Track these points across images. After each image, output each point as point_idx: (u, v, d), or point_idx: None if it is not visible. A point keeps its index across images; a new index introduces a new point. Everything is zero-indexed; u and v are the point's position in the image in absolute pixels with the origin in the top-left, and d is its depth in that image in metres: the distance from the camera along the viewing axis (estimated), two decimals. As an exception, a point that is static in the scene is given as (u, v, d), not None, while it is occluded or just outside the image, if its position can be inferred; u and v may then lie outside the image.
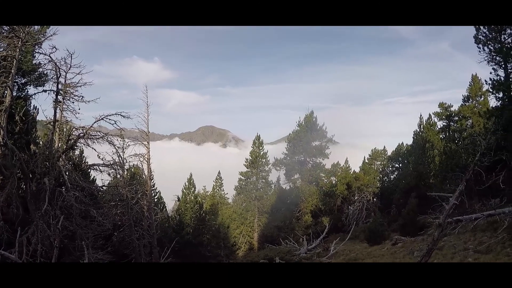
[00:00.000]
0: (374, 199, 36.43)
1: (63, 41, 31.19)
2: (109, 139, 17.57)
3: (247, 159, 36.96)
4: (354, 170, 38.21)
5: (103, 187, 19.74)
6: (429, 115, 32.50)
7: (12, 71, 16.24)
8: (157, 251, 21.73)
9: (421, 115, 32.33)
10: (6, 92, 16.49)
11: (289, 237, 29.22)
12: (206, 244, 30.15)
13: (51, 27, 18.16)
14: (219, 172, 37.68)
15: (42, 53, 17.10)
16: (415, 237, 20.03)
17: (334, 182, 37.05)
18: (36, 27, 17.85)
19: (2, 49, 17.00)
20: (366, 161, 38.88)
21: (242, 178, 37.14)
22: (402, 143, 37.64)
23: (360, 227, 30.91)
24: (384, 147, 39.25)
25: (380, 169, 38.77)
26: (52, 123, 17.12)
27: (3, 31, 17.11)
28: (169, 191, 34.54)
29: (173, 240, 24.57)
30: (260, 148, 36.68)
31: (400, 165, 36.50)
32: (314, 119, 36.59)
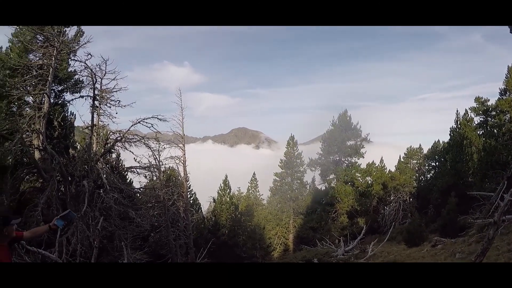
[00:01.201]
0: (411, 199, 35.25)
1: (94, 49, 32.03)
2: (145, 142, 17.86)
3: (281, 160, 36.73)
4: (389, 170, 37.11)
5: (141, 189, 20.04)
6: (465, 110, 30.79)
7: (49, 79, 16.81)
8: (193, 252, 21.84)
9: (457, 111, 30.55)
10: (44, 99, 17.07)
11: (325, 238, 28.77)
12: (241, 245, 30.13)
13: (85, 35, 18.86)
14: (254, 173, 37.57)
15: (78, 60, 17.70)
16: (456, 239, 19.28)
17: (369, 182, 36.09)
18: (70, 36, 18.46)
19: (38, 59, 17.64)
20: (402, 160, 37.71)
21: (277, 179, 36.89)
22: (438, 140, 36.20)
23: (397, 228, 29.95)
24: (420, 145, 37.95)
25: (416, 168, 37.38)
26: (89, 127, 17.53)
27: (38, 41, 17.75)
28: (204, 192, 34.67)
29: (209, 241, 24.66)
30: (294, 148, 36.33)
31: (437, 163, 34.77)
32: (348, 118, 35.98)
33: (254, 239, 31.44)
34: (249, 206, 34.43)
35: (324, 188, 36.93)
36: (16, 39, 18.17)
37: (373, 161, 36.92)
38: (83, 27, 19.32)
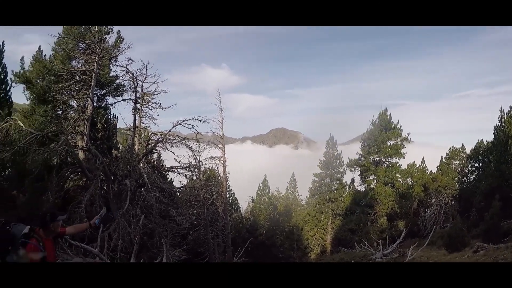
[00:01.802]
0: (453, 202, 33.67)
1: (134, 54, 33.18)
2: (186, 143, 18.36)
3: (320, 161, 36.40)
4: (431, 171, 35.69)
5: (181, 188, 20.60)
6: (510, 107, 28.70)
7: (92, 83, 17.79)
8: (230, 251, 22.18)
9: (501, 108, 28.32)
10: (87, 102, 18.03)
11: (364, 240, 28.29)
12: (279, 245, 30.23)
13: (124, 41, 19.66)
14: (293, 174, 37.42)
15: (119, 65, 18.43)
16: (499, 244, 18.38)
17: (410, 183, 34.86)
18: (110, 42, 19.40)
19: (81, 65, 18.62)
20: (444, 160, 35.86)
21: (316, 179, 36.58)
22: (482, 139, 33.88)
23: (437, 232, 28.71)
24: (463, 144, 35.70)
25: (459, 169, 35.40)
26: (132, 129, 18.25)
27: (80, 48, 18.70)
28: (243, 192, 34.95)
29: (247, 240, 24.92)
30: (334, 149, 35.98)
31: (481, 164, 33.06)
32: (388, 117, 34.89)
33: (292, 239, 31.45)
34: (288, 207, 34.40)
35: (363, 189, 36.07)
36: (59, 47, 19.24)
37: (414, 161, 35.67)
38: (123, 33, 20.22)
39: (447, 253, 21.13)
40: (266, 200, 32.42)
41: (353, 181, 37.17)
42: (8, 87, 20.07)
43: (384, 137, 33.89)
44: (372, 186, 35.04)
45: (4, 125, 15.70)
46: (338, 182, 35.95)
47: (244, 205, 36.08)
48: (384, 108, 35.46)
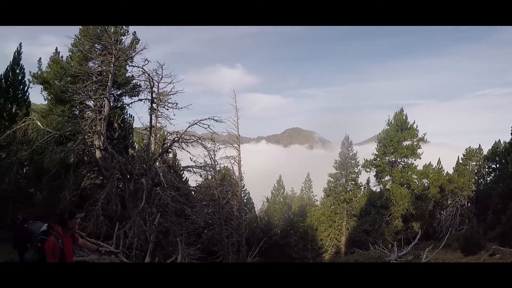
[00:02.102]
0: (469, 204, 32.91)
1: (150, 55, 33.51)
2: (201, 142, 18.52)
3: (336, 161, 36.05)
4: (447, 172, 34.89)
5: (196, 187, 20.78)
6: None
7: (109, 84, 18.14)
8: (244, 250, 22.23)
9: None
10: (104, 102, 18.42)
11: (379, 241, 27.98)
12: (293, 245, 30.21)
13: (140, 42, 19.92)
14: (308, 174, 37.34)
15: (135, 66, 18.81)
16: (515, 248, 18.12)
17: (426, 184, 34.21)
18: (126, 43, 19.69)
19: (97, 66, 18.94)
20: (460, 161, 35.05)
21: (331, 180, 36.25)
22: (499, 140, 33.24)
23: (453, 234, 28.09)
24: (480, 145, 34.91)
25: (476, 171, 34.56)
26: (148, 128, 18.50)
27: (97, 49, 19.02)
28: (257, 192, 34.98)
29: (261, 240, 24.93)
30: (349, 149, 35.69)
31: (498, 165, 32.32)
32: (404, 117, 34.25)
33: (306, 240, 31.35)
34: (302, 207, 34.39)
35: (379, 190, 35.54)
36: (76, 48, 19.63)
37: (430, 162, 34.98)
38: (138, 34, 20.50)
39: (463, 256, 20.84)
40: (281, 200, 32.41)
41: (368, 181, 36.71)
42: (26, 87, 20.61)
43: (399, 137, 33.39)
44: (387, 187, 34.58)
45: (22, 124, 16.06)
46: (353, 182, 35.61)
47: (258, 204, 36.10)
48: (400, 107, 34.93)
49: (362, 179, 36.54)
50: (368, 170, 35.83)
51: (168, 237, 16.63)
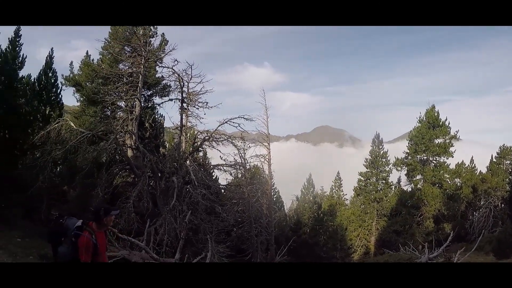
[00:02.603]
0: (503, 205, 31.38)
1: (178, 56, 33.94)
2: (232, 141, 18.68)
3: (366, 159, 35.32)
4: (480, 171, 33.61)
5: (227, 186, 20.97)
6: None
7: (139, 85, 18.56)
8: (273, 249, 22.24)
9: None
10: (135, 103, 18.82)
11: (409, 243, 27.31)
12: (322, 245, 29.96)
13: (169, 43, 20.31)
14: (338, 173, 36.91)
15: (165, 67, 19.05)
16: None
17: (458, 184, 33.13)
18: (155, 45, 20.15)
19: (127, 67, 19.38)
20: (494, 160, 33.57)
21: (362, 178, 35.55)
22: None
23: (486, 236, 26.94)
24: None
25: (510, 170, 33.03)
26: (179, 128, 18.79)
27: (126, 51, 19.47)
28: (287, 190, 34.93)
29: (290, 238, 24.88)
30: (380, 147, 34.95)
31: None
32: (436, 114, 33.18)
33: (335, 239, 31.03)
34: (332, 206, 34.07)
35: (410, 189, 34.60)
36: (106, 51, 20.17)
37: (462, 161, 33.83)
38: (167, 36, 20.87)
39: (496, 259, 20.21)
40: (311, 198, 32.16)
41: (399, 180, 35.93)
42: (59, 90, 21.32)
43: (431, 135, 32.42)
44: (419, 186, 33.67)
45: (56, 125, 16.67)
46: (383, 181, 34.88)
47: (288, 203, 35.98)
48: (431, 104, 33.90)
49: (393, 178, 35.85)
50: (399, 168, 35.01)
51: (198, 235, 16.88)
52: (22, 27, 19.93)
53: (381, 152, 34.73)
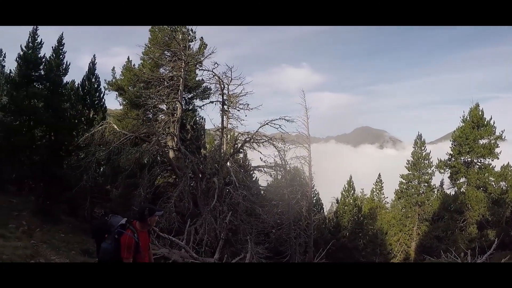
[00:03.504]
0: None
1: (216, 59, 34.53)
2: (273, 142, 18.76)
3: (408, 161, 33.90)
4: None
5: (267, 187, 21.01)
6: None
7: (180, 88, 19.06)
8: (312, 251, 22.02)
9: None
10: (176, 106, 19.34)
11: (451, 249, 26.19)
12: (361, 249, 29.45)
13: (208, 47, 20.79)
14: (379, 175, 36.16)
15: (206, 70, 19.37)
16: None
17: (504, 187, 30.94)
18: (194, 49, 20.49)
19: (168, 71, 19.88)
20: None
21: (403, 181, 34.21)
22: None
23: None
24: None
25: None
26: (220, 129, 19.09)
27: (166, 56, 19.97)
28: (326, 192, 34.52)
29: (329, 242, 24.60)
30: (422, 148, 33.52)
31: None
32: (480, 113, 31.40)
33: (375, 244, 30.39)
34: (373, 209, 33.43)
35: (453, 193, 32.99)
36: (147, 56, 20.77)
37: (508, 163, 31.33)
38: (205, 39, 21.25)
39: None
40: (351, 201, 31.62)
41: (442, 183, 34.34)
42: (102, 94, 22.28)
43: (476, 135, 30.81)
44: (462, 189, 31.99)
45: (100, 127, 17.38)
46: (426, 184, 33.45)
47: (327, 205, 35.53)
48: (475, 102, 32.17)
49: (435, 180, 34.31)
50: (442, 171, 33.33)
51: (238, 235, 17.04)
52: (64, 35, 21.02)
53: (423, 153, 33.38)
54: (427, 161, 33.20)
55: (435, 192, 33.93)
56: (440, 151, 34.49)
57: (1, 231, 13.34)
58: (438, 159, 33.21)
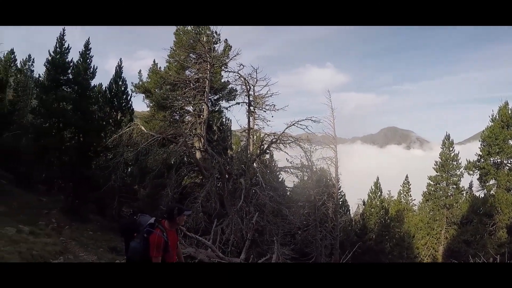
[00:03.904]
0: None
1: (241, 60, 34.70)
2: (299, 143, 18.71)
3: (436, 162, 32.75)
4: None
5: (294, 188, 20.96)
6: None
7: (206, 89, 19.35)
8: (337, 253, 21.83)
9: None
10: (203, 107, 19.53)
11: (480, 254, 25.34)
12: (387, 252, 28.95)
13: (233, 49, 21.06)
14: (406, 176, 35.36)
15: (231, 71, 19.42)
16: None
17: None
18: (219, 51, 20.79)
19: (194, 73, 20.09)
20: None
21: (431, 183, 33.07)
22: None
23: None
24: None
25: None
26: (246, 130, 19.19)
27: (192, 58, 20.24)
28: (353, 194, 34.11)
29: (355, 244, 24.28)
30: (450, 149, 32.32)
31: None
32: (510, 112, 30.10)
33: (402, 247, 29.79)
34: (400, 212, 32.71)
35: (482, 195, 31.62)
36: (172, 59, 21.11)
37: None
38: (229, 41, 21.45)
39: None
40: (378, 203, 31.14)
41: (471, 185, 33.03)
42: (129, 97, 22.77)
43: (505, 135, 29.80)
44: (492, 192, 30.92)
45: (128, 129, 17.77)
46: (454, 186, 32.29)
47: (354, 207, 35.10)
48: (504, 100, 30.97)
49: (464, 182, 33.03)
50: (471, 172, 32.14)
51: (264, 236, 17.03)
52: (90, 40, 21.60)
53: (452, 154, 32.29)
54: (455, 162, 32.14)
55: (464, 194, 32.77)
56: (469, 151, 33.20)
57: (32, 229, 13.80)
58: (466, 160, 32.14)
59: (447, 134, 33.03)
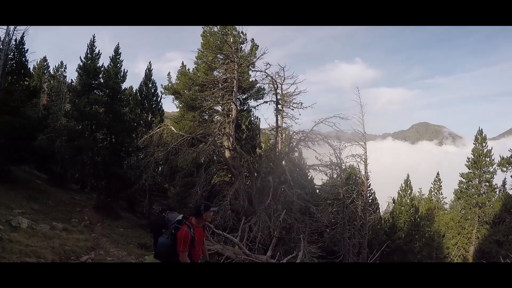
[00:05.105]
0: None
1: (268, 59, 34.80)
2: (328, 141, 18.71)
3: (468, 158, 31.40)
4: None
5: (322, 186, 20.99)
6: None
7: (234, 89, 19.64)
8: (365, 252, 21.67)
9: None
10: (231, 107, 19.85)
11: (511, 255, 24.65)
12: (416, 252, 28.45)
13: (260, 48, 21.34)
14: (437, 173, 34.73)
15: (258, 70, 19.57)
16: None
17: None
18: (246, 51, 21.04)
19: (222, 74, 20.47)
20: None
21: (463, 180, 31.74)
22: None
23: None
24: None
25: None
26: (274, 129, 19.35)
27: (219, 59, 20.59)
28: (382, 191, 33.59)
29: (384, 243, 24.13)
30: (483, 144, 30.92)
31: None
32: None
33: (432, 247, 29.10)
34: (430, 210, 32.09)
35: None
36: (200, 60, 21.53)
37: None
38: (256, 41, 21.67)
39: None
40: (408, 201, 30.57)
41: (504, 183, 31.84)
42: (159, 98, 23.38)
43: None
44: None
45: (158, 129, 18.38)
46: (487, 184, 30.83)
47: (383, 205, 34.62)
48: None
49: (497, 180, 31.70)
50: (505, 169, 30.63)
51: (291, 234, 17.19)
52: (120, 46, 22.33)
53: (485, 150, 30.88)
54: (488, 159, 30.80)
55: (497, 192, 31.55)
56: (503, 147, 31.61)
57: (65, 225, 14.47)
58: (500, 156, 30.77)
59: (480, 129, 31.76)
